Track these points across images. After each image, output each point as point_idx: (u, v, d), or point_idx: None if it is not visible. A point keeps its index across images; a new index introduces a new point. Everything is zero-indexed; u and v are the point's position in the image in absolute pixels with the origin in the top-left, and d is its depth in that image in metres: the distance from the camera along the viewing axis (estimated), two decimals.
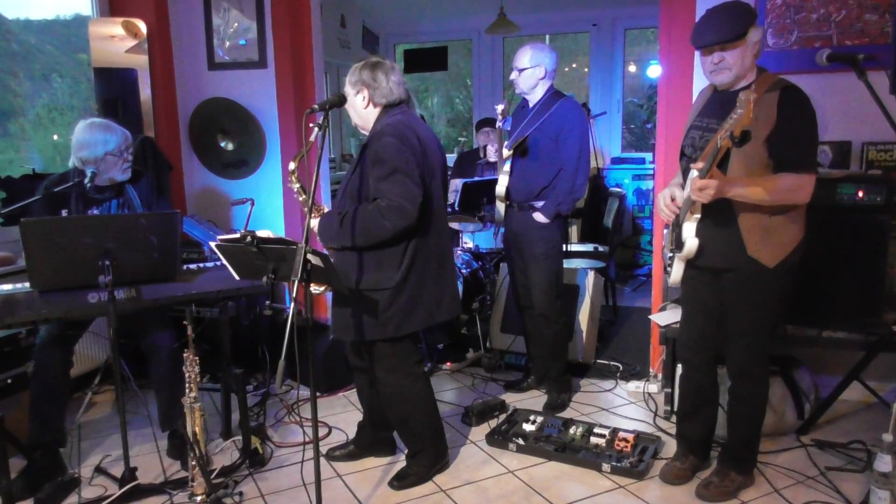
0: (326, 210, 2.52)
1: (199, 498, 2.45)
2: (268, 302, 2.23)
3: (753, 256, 2.24)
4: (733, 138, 1.96)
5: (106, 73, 3.80)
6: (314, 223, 2.45)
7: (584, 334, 3.86)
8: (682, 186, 2.37)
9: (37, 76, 4.42)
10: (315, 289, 2.39)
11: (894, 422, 2.17)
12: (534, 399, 3.46)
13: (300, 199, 2.50)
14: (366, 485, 2.66)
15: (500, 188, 3.32)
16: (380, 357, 2.55)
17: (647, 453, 2.74)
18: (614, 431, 2.90)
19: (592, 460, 2.73)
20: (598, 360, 3.94)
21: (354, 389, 3.05)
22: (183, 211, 4.13)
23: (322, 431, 3.07)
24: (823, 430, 3.01)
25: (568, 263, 4.21)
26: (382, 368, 2.56)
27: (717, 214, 2.24)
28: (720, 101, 2.30)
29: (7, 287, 2.51)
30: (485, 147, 4.91)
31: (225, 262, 2.34)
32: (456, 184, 4.30)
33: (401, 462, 2.78)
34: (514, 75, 3.24)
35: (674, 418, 2.91)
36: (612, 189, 6.12)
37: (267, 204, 4.08)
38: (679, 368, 2.84)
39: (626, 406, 3.36)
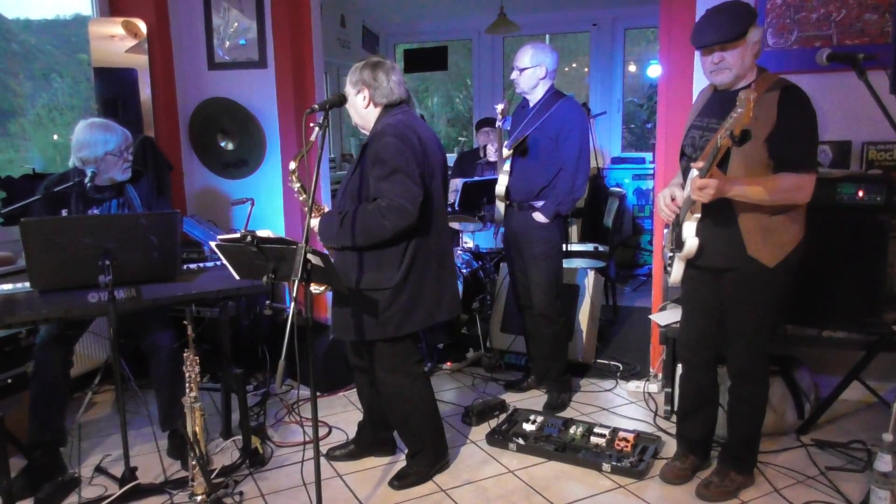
0: (327, 210, 2.52)
1: (199, 498, 2.45)
2: (268, 302, 2.22)
3: (753, 256, 2.24)
4: (733, 137, 1.96)
5: (106, 72, 3.80)
6: (314, 223, 2.45)
7: (585, 334, 3.86)
8: (683, 186, 2.37)
9: (37, 76, 4.42)
10: (315, 288, 2.39)
11: (894, 421, 2.17)
12: (534, 399, 3.46)
13: (300, 198, 2.51)
14: (366, 484, 2.66)
15: (500, 188, 3.32)
16: (380, 357, 2.55)
17: (647, 453, 2.74)
18: (614, 431, 2.90)
19: (593, 460, 2.73)
20: (599, 360, 3.94)
21: (354, 389, 3.05)
22: (183, 211, 4.13)
23: (322, 431, 3.07)
24: (823, 429, 3.01)
25: (568, 263, 4.21)
26: (382, 368, 2.56)
27: (718, 214, 2.24)
28: (720, 101, 2.30)
29: (7, 287, 2.51)
30: (485, 147, 4.92)
31: (225, 261, 2.34)
32: (456, 183, 4.30)
33: (401, 462, 2.78)
34: (514, 75, 3.24)
35: (674, 418, 2.91)
36: (612, 189, 6.12)
37: (267, 204, 4.08)
38: (679, 368, 2.84)
39: (626, 406, 3.36)
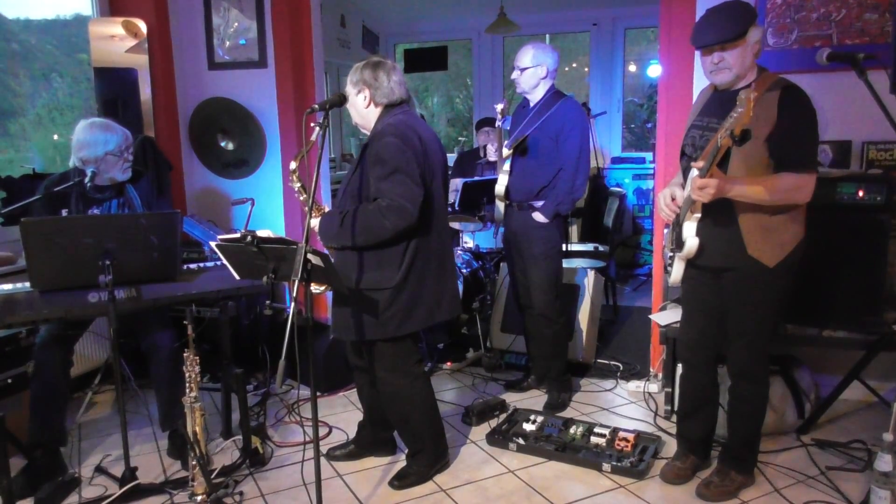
0: (327, 209, 2.52)
1: (199, 497, 2.45)
2: (268, 302, 2.22)
3: (754, 256, 2.24)
4: (733, 137, 1.96)
5: (106, 72, 3.80)
6: (314, 223, 2.45)
7: (585, 334, 3.86)
8: (683, 186, 2.37)
9: (37, 76, 4.42)
10: (315, 288, 2.40)
11: (895, 421, 2.16)
12: (534, 399, 3.46)
13: (301, 198, 2.51)
14: (366, 484, 2.66)
15: (500, 187, 3.31)
16: (380, 356, 2.55)
17: (647, 453, 2.74)
18: (614, 431, 2.90)
19: (593, 460, 2.73)
20: (599, 360, 3.93)
21: (354, 389, 3.05)
22: (183, 211, 4.13)
23: (322, 431, 3.07)
24: (824, 429, 3.01)
25: (568, 263, 4.21)
26: (383, 368, 2.56)
27: (718, 214, 2.24)
28: (720, 101, 2.30)
29: (7, 287, 2.51)
30: (485, 147, 4.92)
31: (225, 261, 2.34)
32: (456, 183, 4.30)
33: (401, 462, 2.78)
34: (515, 74, 3.24)
35: (674, 418, 2.91)
36: (612, 189, 6.12)
37: (267, 204, 4.08)
38: (679, 368, 2.84)
39: (626, 406, 3.36)
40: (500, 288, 4.11)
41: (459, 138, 8.43)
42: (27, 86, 4.35)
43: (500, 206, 3.38)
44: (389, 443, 2.87)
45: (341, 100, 2.37)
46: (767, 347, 2.42)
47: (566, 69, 8.06)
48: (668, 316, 3.19)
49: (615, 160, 6.58)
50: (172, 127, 4.10)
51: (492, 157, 4.51)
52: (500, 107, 3.32)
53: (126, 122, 3.00)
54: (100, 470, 2.77)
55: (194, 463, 2.41)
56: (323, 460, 2.66)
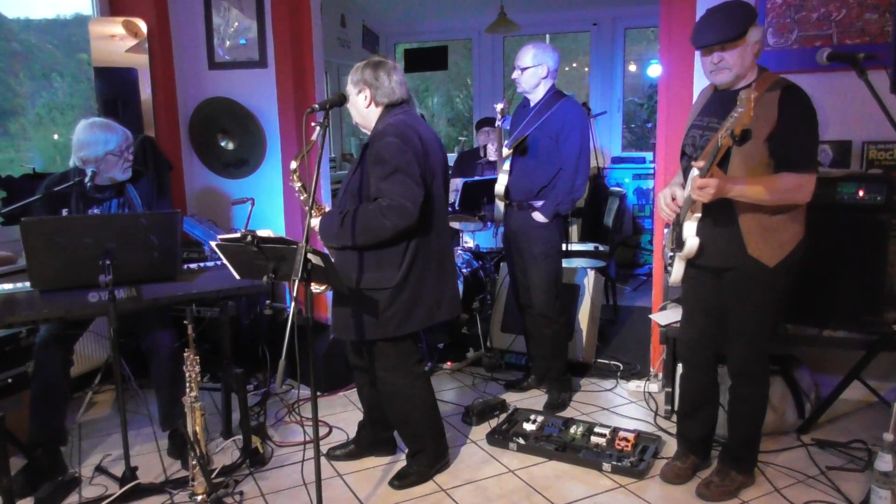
0: (327, 209, 2.52)
1: (199, 497, 2.45)
2: (268, 301, 2.22)
3: (754, 256, 2.24)
4: (734, 137, 1.96)
5: (106, 72, 3.80)
6: (315, 222, 2.45)
7: (585, 334, 3.86)
8: (683, 186, 2.37)
9: (37, 76, 4.42)
10: (315, 288, 2.39)
11: (895, 421, 2.16)
12: (534, 398, 3.46)
13: (301, 198, 2.51)
14: (366, 484, 2.66)
15: (500, 187, 3.31)
16: (380, 356, 2.55)
17: (647, 453, 2.74)
18: (615, 431, 2.90)
19: (593, 460, 2.73)
20: (599, 360, 3.93)
21: (355, 389, 3.05)
22: (183, 210, 4.13)
23: (322, 431, 3.07)
24: (824, 429, 3.01)
25: (568, 263, 4.21)
26: (383, 368, 2.56)
27: (718, 214, 2.24)
28: (721, 101, 2.30)
29: (7, 286, 2.51)
30: (485, 146, 4.92)
31: (225, 261, 2.34)
32: (456, 183, 4.30)
33: (401, 461, 2.78)
34: (516, 74, 3.24)
35: (674, 418, 2.91)
36: (612, 188, 6.12)
37: (267, 203, 4.08)
38: (679, 368, 2.84)
39: (626, 405, 3.36)
40: (500, 288, 4.11)
41: (459, 138, 8.44)
42: (27, 85, 4.35)
43: (500, 205, 3.38)
44: (389, 443, 2.87)
45: (341, 99, 2.37)
46: (767, 347, 2.42)
47: (566, 69, 8.06)
48: (668, 316, 3.19)
49: (615, 160, 6.58)
50: (172, 127, 4.10)
51: (492, 156, 4.51)
52: (499, 106, 3.32)
53: (126, 122, 3.00)
54: (100, 469, 2.77)
55: (194, 463, 2.41)
56: (323, 460, 2.66)
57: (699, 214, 2.26)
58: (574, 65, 8.15)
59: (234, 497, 2.56)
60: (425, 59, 7.22)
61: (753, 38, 2.19)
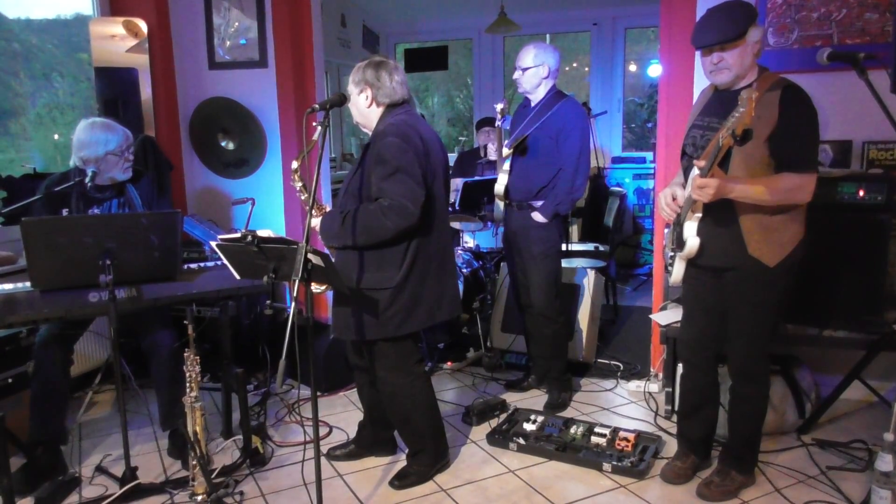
0: (328, 209, 2.52)
1: (199, 497, 2.45)
2: (268, 301, 2.22)
3: (754, 255, 2.24)
4: (735, 137, 1.97)
5: (107, 72, 3.80)
6: (315, 222, 2.45)
7: (585, 333, 3.86)
8: (684, 185, 2.37)
9: (37, 76, 4.42)
10: (316, 288, 2.39)
11: (895, 421, 2.16)
12: (534, 398, 3.46)
13: (302, 197, 2.51)
14: (366, 484, 2.66)
15: (500, 186, 3.31)
16: (380, 356, 2.55)
17: (647, 453, 2.74)
18: (615, 431, 2.90)
19: (593, 460, 2.73)
20: (599, 360, 3.93)
21: (355, 389, 3.05)
22: (183, 210, 4.13)
23: (322, 431, 3.07)
24: (824, 429, 3.01)
25: (568, 263, 4.21)
26: (383, 368, 2.56)
27: (719, 213, 2.24)
28: (721, 100, 2.30)
29: (8, 286, 2.51)
30: (485, 146, 4.92)
31: (225, 261, 2.34)
32: (457, 183, 4.30)
33: (401, 461, 2.77)
34: (517, 74, 3.24)
35: (674, 418, 2.91)
36: (612, 188, 6.12)
37: (267, 203, 4.08)
38: (680, 368, 2.84)
39: (626, 405, 3.36)
40: (500, 288, 4.11)
41: (460, 138, 8.44)
42: (28, 85, 4.35)
43: (500, 205, 3.38)
44: (390, 442, 2.87)
45: (342, 99, 2.37)
46: (768, 347, 2.42)
47: (566, 69, 8.06)
48: (668, 316, 3.19)
49: (615, 160, 6.58)
50: (173, 127, 4.11)
51: (492, 156, 4.51)
52: (500, 106, 3.32)
53: (126, 122, 3.00)
54: (100, 469, 2.76)
55: (195, 462, 2.41)
56: (323, 460, 2.66)
57: (700, 214, 2.26)
58: (574, 65, 8.15)
59: (234, 497, 2.56)
60: (425, 59, 7.22)
61: (754, 38, 2.19)
